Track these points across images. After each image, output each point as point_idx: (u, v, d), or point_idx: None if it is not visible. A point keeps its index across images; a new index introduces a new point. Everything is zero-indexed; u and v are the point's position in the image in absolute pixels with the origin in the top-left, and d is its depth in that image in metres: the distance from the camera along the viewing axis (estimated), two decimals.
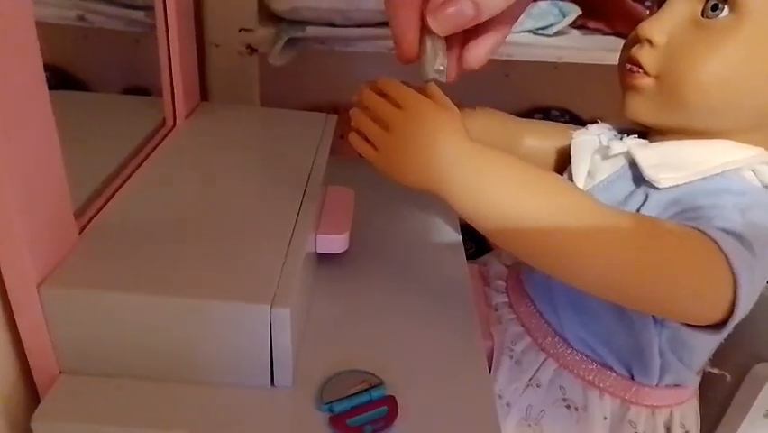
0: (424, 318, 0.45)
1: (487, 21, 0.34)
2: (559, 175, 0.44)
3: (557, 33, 0.90)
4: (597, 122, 1.32)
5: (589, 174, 0.47)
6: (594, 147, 0.48)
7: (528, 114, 1.22)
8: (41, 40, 0.32)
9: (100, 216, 0.40)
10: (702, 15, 0.41)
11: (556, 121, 1.23)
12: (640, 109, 0.44)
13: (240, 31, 0.72)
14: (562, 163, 0.55)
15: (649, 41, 0.42)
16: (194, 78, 0.59)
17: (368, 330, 0.43)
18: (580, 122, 1.28)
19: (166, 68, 0.55)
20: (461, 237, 0.54)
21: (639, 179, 0.44)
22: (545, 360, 0.50)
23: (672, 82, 0.42)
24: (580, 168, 0.47)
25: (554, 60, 0.86)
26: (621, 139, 0.47)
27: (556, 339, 0.50)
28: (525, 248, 0.38)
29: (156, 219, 0.41)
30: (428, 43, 0.36)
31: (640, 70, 0.43)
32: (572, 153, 0.48)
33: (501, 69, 1.15)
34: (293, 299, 0.35)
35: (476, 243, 0.85)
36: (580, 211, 0.36)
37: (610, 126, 0.50)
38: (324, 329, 0.43)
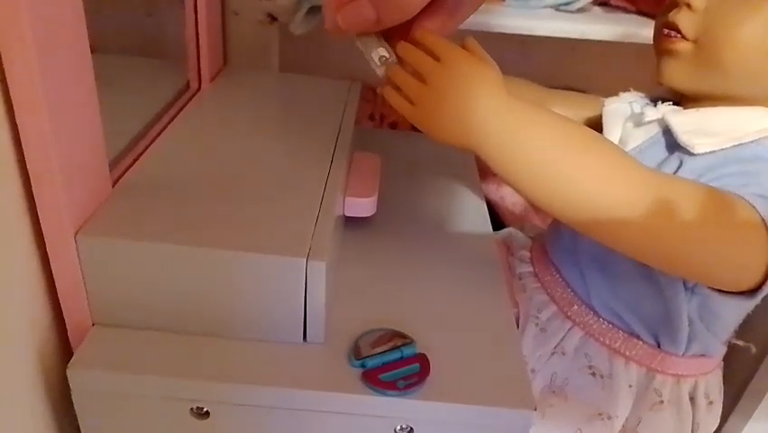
0: (451, 279, 0.45)
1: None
2: (598, 133, 0.43)
3: (579, 10, 0.89)
4: None
5: (621, 141, 0.47)
6: (626, 114, 0.48)
7: None
8: None
9: (133, 170, 0.40)
10: None
11: None
12: (676, 74, 0.44)
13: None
14: None
15: (688, 5, 0.42)
16: (218, 43, 0.59)
17: (396, 291, 0.43)
18: None
19: (192, 32, 0.54)
20: (485, 203, 0.54)
21: (673, 145, 0.44)
22: (571, 328, 0.50)
23: (710, 46, 0.41)
24: (612, 135, 0.47)
25: (577, 37, 0.86)
26: (655, 106, 0.46)
27: (582, 307, 0.50)
28: (561, 205, 0.37)
29: (188, 175, 0.40)
30: (358, 42, 0.37)
31: (678, 35, 0.42)
32: (604, 120, 0.48)
33: (518, 48, 1.14)
34: (328, 254, 0.35)
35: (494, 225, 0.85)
36: (621, 168, 0.36)
37: (642, 94, 0.49)
38: (353, 289, 0.43)
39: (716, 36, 0.41)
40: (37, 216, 0.33)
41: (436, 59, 0.37)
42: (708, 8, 0.41)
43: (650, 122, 0.45)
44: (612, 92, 1.34)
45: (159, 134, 0.45)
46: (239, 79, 0.58)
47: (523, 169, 0.36)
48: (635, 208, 0.36)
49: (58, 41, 0.30)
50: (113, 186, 0.38)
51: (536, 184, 0.37)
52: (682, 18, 0.42)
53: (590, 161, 0.36)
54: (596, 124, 0.54)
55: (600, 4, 0.92)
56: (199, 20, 0.55)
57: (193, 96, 0.53)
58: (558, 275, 0.52)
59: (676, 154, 0.43)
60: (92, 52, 0.35)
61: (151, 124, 0.46)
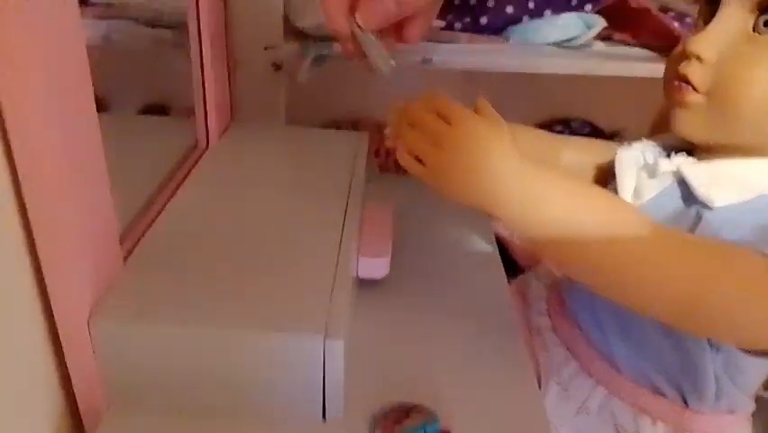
0: (467, 339, 0.44)
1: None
2: (614, 194, 0.43)
3: (582, 46, 0.89)
4: (619, 133, 1.29)
5: (636, 192, 0.46)
6: (639, 164, 0.47)
7: (548, 125, 1.21)
8: None
9: (142, 243, 0.40)
10: (754, 30, 0.40)
11: (577, 133, 1.21)
12: (690, 126, 0.43)
13: (265, 48, 0.71)
14: (602, 180, 0.54)
15: (698, 58, 0.41)
16: (225, 99, 0.59)
17: (412, 354, 0.43)
18: (602, 133, 1.27)
19: (199, 89, 0.54)
20: (498, 255, 0.53)
21: (689, 198, 0.43)
22: (595, 386, 0.49)
23: (723, 98, 0.41)
24: (625, 185, 0.46)
25: (581, 73, 0.86)
26: (668, 156, 0.46)
27: (605, 364, 0.49)
28: (580, 267, 0.37)
29: (199, 245, 0.40)
30: (366, 41, 0.40)
31: (689, 87, 0.42)
32: (617, 170, 0.47)
33: (521, 79, 1.15)
34: (345, 329, 0.34)
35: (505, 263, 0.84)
36: (641, 230, 0.35)
37: (654, 143, 0.49)
38: (367, 355, 0.42)
39: (729, 89, 0.40)
40: (48, 301, 0.32)
41: (447, 121, 0.37)
42: (720, 60, 0.41)
43: (664, 173, 0.45)
44: (617, 120, 1.33)
45: (168, 200, 0.45)
46: (247, 136, 0.57)
47: (544, 230, 0.36)
48: (660, 274, 0.35)
49: (67, 116, 0.30)
50: (124, 260, 0.38)
51: (550, 247, 0.36)
52: (693, 71, 0.42)
53: (610, 221, 0.35)
54: (607, 171, 0.54)
55: (603, 39, 0.92)
56: (206, 76, 0.55)
57: (201, 155, 0.53)
58: (578, 330, 0.51)
59: (693, 207, 0.43)
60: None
61: (160, 189, 0.46)
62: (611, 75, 0.86)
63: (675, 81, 0.43)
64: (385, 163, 1.09)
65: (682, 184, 0.44)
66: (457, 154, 0.36)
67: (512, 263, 0.77)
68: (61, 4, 0.28)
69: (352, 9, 0.39)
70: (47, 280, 0.32)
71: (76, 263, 0.32)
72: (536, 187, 0.36)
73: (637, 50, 0.92)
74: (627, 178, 0.47)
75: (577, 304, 0.52)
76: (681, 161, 0.44)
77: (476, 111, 0.39)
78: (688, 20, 0.87)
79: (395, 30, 0.43)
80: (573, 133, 1.19)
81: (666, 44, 0.88)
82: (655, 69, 0.86)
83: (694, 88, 0.42)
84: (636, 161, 0.47)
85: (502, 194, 0.36)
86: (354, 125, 1.02)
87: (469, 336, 0.45)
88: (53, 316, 0.33)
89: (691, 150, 0.47)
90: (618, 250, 0.35)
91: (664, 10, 0.90)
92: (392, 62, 0.41)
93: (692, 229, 0.42)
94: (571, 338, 0.51)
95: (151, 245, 0.39)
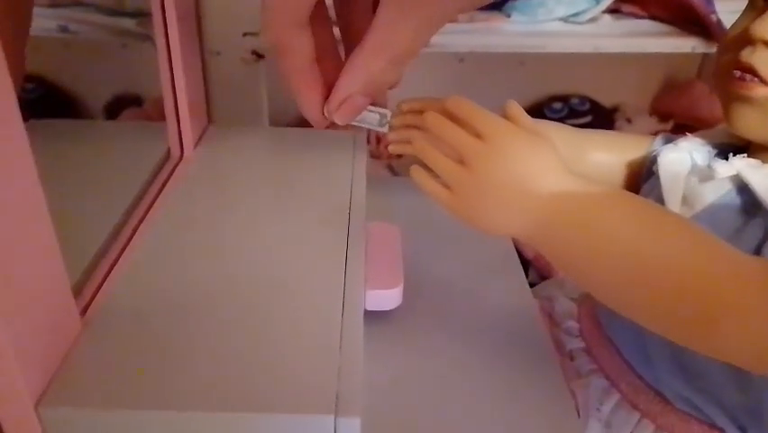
0: (497, 375, 0.38)
1: None
2: (683, 216, 0.36)
3: (590, 20, 0.82)
4: (618, 108, 1.23)
5: (685, 201, 0.40)
6: (687, 167, 0.41)
7: (546, 103, 1.16)
8: None
9: (105, 289, 0.33)
10: None
11: (577, 110, 1.16)
12: (753, 123, 0.37)
13: (244, 35, 0.64)
14: (635, 179, 0.48)
15: (767, 43, 0.35)
16: (200, 100, 0.51)
17: (434, 396, 0.36)
18: (602, 110, 1.21)
19: (169, 89, 0.46)
20: (522, 272, 0.47)
21: (753, 207, 0.37)
22: (640, 420, 0.43)
23: None
24: (673, 193, 0.40)
25: (590, 51, 0.79)
26: (725, 158, 0.39)
27: (651, 395, 0.43)
28: (644, 308, 0.30)
29: (175, 289, 0.33)
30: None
31: (755, 78, 0.35)
32: (661, 175, 0.41)
33: (515, 58, 1.08)
34: (361, 402, 0.27)
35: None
36: (719, 262, 0.29)
37: (702, 141, 0.42)
38: (379, 403, 0.36)
39: None
40: None
41: (475, 133, 0.30)
42: None
43: (721, 179, 0.38)
44: (617, 96, 1.27)
45: (137, 228, 0.38)
46: (227, 142, 0.50)
47: (598, 276, 0.29)
48: (736, 313, 0.29)
49: None
50: (82, 315, 0.31)
51: (610, 284, 0.30)
52: (761, 59, 0.35)
53: (682, 253, 0.29)
54: (638, 171, 0.47)
55: (610, 12, 0.85)
56: (176, 74, 0.47)
57: (175, 167, 0.46)
58: (618, 356, 0.45)
59: (759, 219, 0.36)
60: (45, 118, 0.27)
61: (126, 218, 0.39)
62: (623, 51, 0.80)
63: (736, 71, 0.36)
64: (376, 150, 1.02)
65: (743, 192, 0.37)
66: (492, 175, 0.29)
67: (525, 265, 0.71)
68: None
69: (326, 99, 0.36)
70: None
71: (15, 350, 0.24)
72: (594, 213, 0.29)
73: (648, 23, 0.85)
74: (674, 185, 0.40)
75: (616, 327, 0.45)
76: (742, 165, 0.38)
77: (506, 117, 0.32)
78: None
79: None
80: (573, 110, 1.14)
81: (678, 17, 0.81)
82: (668, 44, 0.80)
83: (762, 80, 0.35)
84: (683, 163, 0.41)
85: (550, 223, 0.29)
86: None
87: (498, 368, 0.38)
88: None
89: (745, 146, 0.40)
90: (698, 294, 0.28)
91: None
92: (387, 119, 0.38)
93: (759, 246, 0.36)
94: (612, 366, 0.45)
95: (117, 292, 0.32)
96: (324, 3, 0.35)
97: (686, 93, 1.06)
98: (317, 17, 0.33)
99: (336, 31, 0.38)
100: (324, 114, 0.36)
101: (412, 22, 0.29)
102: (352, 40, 0.36)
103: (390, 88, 0.36)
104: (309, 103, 0.36)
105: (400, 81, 0.35)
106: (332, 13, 0.38)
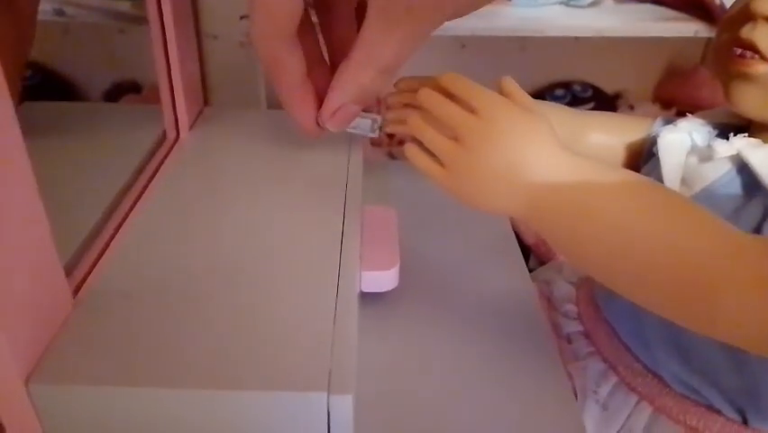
0: (494, 358, 0.38)
1: None
2: (681, 194, 0.36)
3: (591, 4, 0.81)
4: (621, 94, 1.22)
5: (684, 181, 0.39)
6: (686, 147, 0.40)
7: (548, 89, 1.15)
8: None
9: (97, 270, 0.32)
10: None
11: (579, 96, 1.15)
12: (753, 101, 0.36)
13: (241, 18, 0.63)
14: (635, 161, 0.47)
15: (767, 19, 0.34)
16: (196, 82, 0.51)
17: (431, 379, 0.36)
18: (605, 96, 1.21)
19: (164, 70, 0.46)
20: (521, 255, 0.46)
21: (753, 187, 0.36)
22: (638, 402, 0.43)
23: None
24: (672, 173, 0.39)
25: (592, 35, 0.78)
26: (726, 138, 0.39)
27: (649, 377, 0.42)
28: (640, 286, 0.30)
29: (169, 268, 0.33)
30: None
31: (755, 55, 0.35)
32: (661, 155, 0.40)
33: (516, 43, 1.07)
34: (353, 380, 0.27)
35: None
36: (715, 240, 0.28)
37: (702, 121, 0.42)
38: (375, 385, 0.35)
39: None
40: None
41: (470, 110, 0.30)
42: None
43: (721, 158, 0.38)
44: (619, 82, 1.26)
45: (129, 212, 0.37)
46: (223, 124, 0.49)
47: (587, 248, 0.28)
48: (735, 293, 0.28)
49: None
50: (74, 295, 0.30)
51: (607, 262, 0.29)
52: (761, 35, 0.34)
53: (674, 225, 0.28)
54: (638, 152, 0.47)
55: None
56: (170, 57, 0.46)
57: (170, 149, 0.45)
58: (616, 338, 0.44)
59: (759, 199, 0.36)
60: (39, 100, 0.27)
61: (120, 198, 0.38)
62: (625, 36, 0.79)
63: (736, 48, 0.36)
64: (377, 137, 1.01)
65: (743, 171, 0.37)
66: (486, 151, 0.29)
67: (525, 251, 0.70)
68: None
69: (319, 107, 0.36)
70: None
71: (1, 314, 0.24)
72: (589, 190, 0.28)
73: (649, 7, 0.84)
74: (674, 165, 0.40)
75: (614, 310, 0.45)
76: (743, 144, 0.37)
77: (502, 93, 0.31)
78: None
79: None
80: (575, 97, 1.14)
81: (681, 1, 0.81)
82: (671, 29, 0.79)
83: (763, 57, 0.35)
84: (683, 143, 0.40)
85: (545, 198, 0.29)
86: None
87: (495, 350, 0.38)
88: None
89: (746, 126, 0.40)
90: (694, 273, 0.28)
91: None
92: (378, 123, 0.38)
93: (759, 225, 0.35)
94: (609, 348, 0.45)
95: (108, 275, 0.32)
96: (309, 11, 0.35)
97: (689, 79, 1.05)
98: (303, 25, 0.32)
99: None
100: (317, 123, 0.36)
101: (398, 34, 0.29)
102: (336, 46, 0.37)
103: (380, 96, 0.37)
104: (302, 116, 0.36)
105: (390, 86, 0.35)
106: (314, 17, 0.38)
